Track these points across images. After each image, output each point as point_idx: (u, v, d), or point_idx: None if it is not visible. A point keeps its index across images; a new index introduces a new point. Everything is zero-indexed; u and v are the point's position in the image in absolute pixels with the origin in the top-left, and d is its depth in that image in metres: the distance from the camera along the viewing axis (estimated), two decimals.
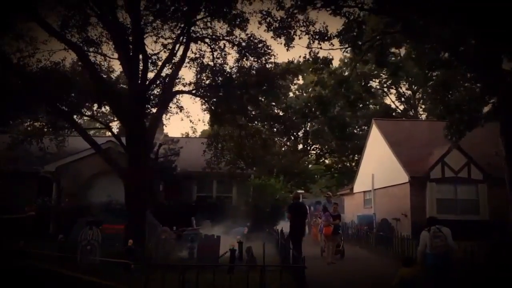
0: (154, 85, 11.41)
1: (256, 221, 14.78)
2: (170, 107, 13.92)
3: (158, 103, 10.70)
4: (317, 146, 45.34)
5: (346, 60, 21.62)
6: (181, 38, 11.38)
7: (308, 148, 46.82)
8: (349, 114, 32.78)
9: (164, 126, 18.58)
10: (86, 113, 13.44)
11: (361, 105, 24.87)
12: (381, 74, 30.01)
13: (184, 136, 23.31)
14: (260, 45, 14.45)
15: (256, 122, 13.85)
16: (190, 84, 14.28)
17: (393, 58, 12.64)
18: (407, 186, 18.41)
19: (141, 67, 11.08)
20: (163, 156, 15.34)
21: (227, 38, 12.98)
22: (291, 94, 29.19)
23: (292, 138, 27.56)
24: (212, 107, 13.25)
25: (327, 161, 47.33)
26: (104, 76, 10.63)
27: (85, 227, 8.50)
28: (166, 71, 12.08)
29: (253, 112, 13.48)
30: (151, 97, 11.04)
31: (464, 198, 17.93)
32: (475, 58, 9.22)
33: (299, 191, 34.81)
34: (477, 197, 17.86)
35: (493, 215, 17.40)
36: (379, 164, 22.43)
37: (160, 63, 12.00)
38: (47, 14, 10.21)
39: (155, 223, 11.43)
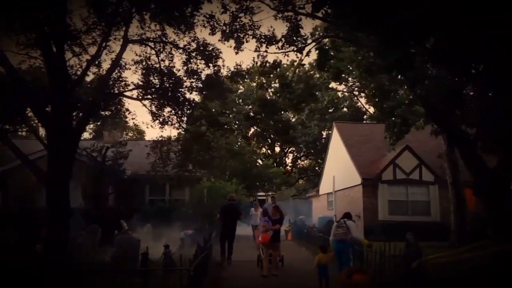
0: (81, 87, 11.26)
1: (205, 224, 14.75)
2: (114, 110, 13.79)
3: (87, 105, 10.54)
4: (293, 149, 45.82)
5: (294, 64, 21.79)
6: (111, 38, 11.29)
7: (285, 150, 47.27)
8: (317, 117, 32.97)
9: (121, 130, 18.35)
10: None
11: (306, 107, 25.00)
12: (349, 78, 30.39)
13: (134, 139, 23.11)
14: (209, 48, 14.47)
15: (200, 125, 13.78)
16: (137, 87, 14.16)
17: (332, 61, 12.77)
18: (360, 187, 18.66)
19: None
20: (111, 159, 15.17)
21: (168, 40, 12.90)
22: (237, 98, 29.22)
23: (244, 140, 27.61)
24: (156, 110, 13.17)
25: (303, 163, 47.81)
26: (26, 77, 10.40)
27: None
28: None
29: (197, 114, 13.43)
30: (81, 99, 10.87)
31: (416, 199, 18.26)
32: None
33: (271, 193, 34.97)
34: (428, 198, 18.20)
35: (444, 216, 17.80)
36: (339, 166, 22.71)
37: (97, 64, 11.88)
38: None
39: (94, 229, 11.26)
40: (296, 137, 30.13)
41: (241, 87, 35.19)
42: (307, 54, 12.49)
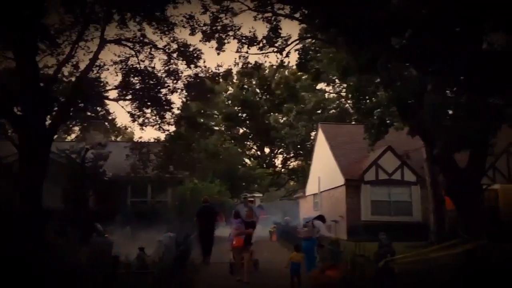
0: (56, 87, 11.15)
1: (186, 226, 14.65)
2: (94, 111, 13.69)
3: (61, 105, 10.44)
4: (282, 150, 45.93)
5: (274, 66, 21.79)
6: (89, 38, 11.22)
7: (274, 152, 47.35)
8: (305, 118, 33.07)
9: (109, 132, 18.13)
10: None
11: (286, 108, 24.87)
12: (336, 79, 30.56)
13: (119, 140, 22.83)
14: (190, 49, 14.46)
15: (179, 126, 13.74)
16: (116, 87, 14.07)
17: (311, 63, 12.83)
18: (344, 188, 18.74)
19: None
20: (91, 161, 15.02)
21: (147, 40, 12.88)
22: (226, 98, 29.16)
23: (231, 141, 27.57)
24: (135, 111, 13.12)
25: (293, 164, 47.97)
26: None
27: None
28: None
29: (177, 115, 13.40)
30: (56, 99, 10.76)
31: (398, 200, 18.38)
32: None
33: (257, 194, 34.95)
34: (410, 199, 18.34)
35: (426, 216, 17.95)
36: (324, 167, 22.78)
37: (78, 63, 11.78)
38: None
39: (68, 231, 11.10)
40: (279, 138, 30.20)
41: (230, 88, 35.40)
42: (287, 55, 12.50)
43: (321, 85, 34.61)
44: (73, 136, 22.62)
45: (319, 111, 35.71)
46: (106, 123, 16.19)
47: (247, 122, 18.39)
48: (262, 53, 13.19)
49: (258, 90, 12.09)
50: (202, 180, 17.88)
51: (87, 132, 18.01)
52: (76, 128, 18.91)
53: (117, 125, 22.90)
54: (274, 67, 16.80)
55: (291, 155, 47.93)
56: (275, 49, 13.11)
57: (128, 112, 13.13)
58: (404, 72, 7.97)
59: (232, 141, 20.66)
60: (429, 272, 7.57)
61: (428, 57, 6.64)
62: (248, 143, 25.53)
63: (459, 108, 6.97)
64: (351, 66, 10.43)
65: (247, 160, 47.51)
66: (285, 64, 12.71)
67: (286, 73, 21.05)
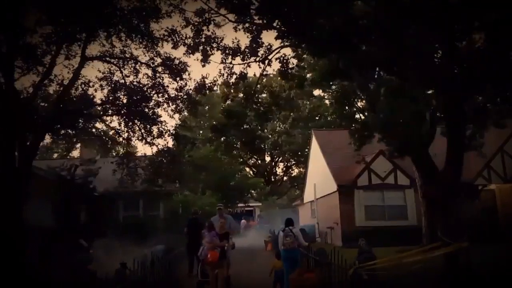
0: (36, 105, 11.23)
1: (176, 238, 14.59)
2: (80, 127, 13.76)
3: (41, 123, 10.50)
4: (284, 158, 45.89)
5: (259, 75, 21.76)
6: (71, 55, 11.33)
7: (275, 159, 47.33)
8: (301, 125, 33.05)
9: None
10: None
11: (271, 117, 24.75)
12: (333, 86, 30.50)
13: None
14: (175, 62, 14.56)
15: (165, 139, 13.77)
16: (101, 103, 14.15)
17: (293, 70, 12.80)
18: (337, 194, 18.63)
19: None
20: (80, 177, 15.06)
21: (130, 55, 12.98)
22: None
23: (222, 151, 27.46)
24: (121, 126, 13.18)
25: (295, 172, 47.89)
26: None
27: None
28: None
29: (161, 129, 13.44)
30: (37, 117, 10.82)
31: (392, 204, 18.22)
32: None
33: (256, 203, 34.81)
34: (405, 202, 18.18)
35: (421, 220, 17.77)
36: (318, 174, 22.70)
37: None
38: None
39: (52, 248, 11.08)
40: (268, 147, 30.16)
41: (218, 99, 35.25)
42: (269, 64, 12.52)
43: (317, 91, 34.84)
44: (66, 153, 22.70)
45: (317, 117, 35.74)
46: (106, 139, 16.12)
47: (233, 132, 18.39)
48: (244, 63, 13.17)
49: (243, 100, 12.11)
50: (194, 192, 17.83)
51: (84, 148, 18.10)
52: (63, 145, 18.93)
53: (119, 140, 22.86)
54: (257, 76, 16.80)
55: (293, 162, 47.99)
56: (257, 58, 13.12)
57: (112, 127, 13.19)
58: (375, 76, 7.97)
59: (220, 152, 20.61)
60: (397, 277, 7.52)
61: (394, 60, 6.65)
62: (239, 153, 25.39)
63: (401, 113, 6.96)
64: (328, 72, 10.45)
65: (247, 169, 47.57)
66: (267, 73, 12.75)
67: (272, 82, 21.13)
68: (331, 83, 11.41)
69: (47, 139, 16.24)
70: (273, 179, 46.23)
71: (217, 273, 8.05)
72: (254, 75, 19.58)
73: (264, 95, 18.82)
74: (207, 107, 25.19)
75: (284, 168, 49.07)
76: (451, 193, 7.97)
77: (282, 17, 7.26)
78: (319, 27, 6.26)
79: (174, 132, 13.18)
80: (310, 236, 21.08)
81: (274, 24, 11.69)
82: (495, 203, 18.76)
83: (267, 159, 46.47)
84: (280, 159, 46.08)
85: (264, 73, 12.22)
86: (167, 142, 13.57)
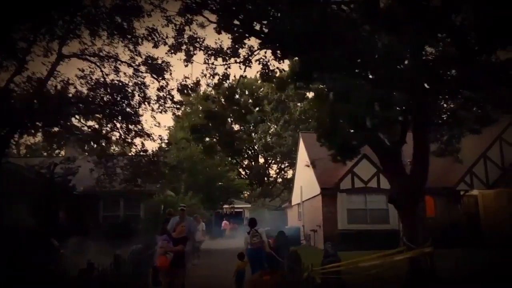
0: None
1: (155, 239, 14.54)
2: (59, 125, 13.71)
3: (13, 119, 10.43)
4: (277, 160, 45.89)
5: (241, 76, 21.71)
6: (50, 53, 11.29)
7: (268, 161, 47.32)
8: (292, 127, 33.06)
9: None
10: None
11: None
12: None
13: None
14: (159, 62, 14.52)
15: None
16: (81, 101, 14.08)
17: (273, 72, 12.80)
18: (320, 197, 18.63)
19: None
20: (60, 176, 14.97)
21: (110, 54, 12.94)
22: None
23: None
24: (99, 125, 13.12)
25: (289, 174, 47.86)
26: None
27: None
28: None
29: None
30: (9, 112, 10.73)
31: (374, 208, 18.22)
32: None
33: (245, 205, 34.74)
34: (387, 206, 18.10)
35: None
36: (305, 177, 22.70)
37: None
38: None
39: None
40: (247, 149, 30.26)
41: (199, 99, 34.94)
42: (249, 65, 12.49)
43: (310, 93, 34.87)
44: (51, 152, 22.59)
45: (310, 120, 35.78)
46: (88, 138, 15.98)
47: (213, 133, 18.46)
48: (225, 64, 13.15)
49: (223, 101, 12.08)
50: (176, 193, 17.76)
51: (68, 147, 17.96)
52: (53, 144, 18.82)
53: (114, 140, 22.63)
54: (237, 77, 16.76)
55: (286, 164, 47.99)
56: (238, 60, 13.11)
57: (89, 126, 13.14)
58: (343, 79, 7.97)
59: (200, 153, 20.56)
60: (350, 282, 7.54)
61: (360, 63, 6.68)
62: (219, 155, 25.34)
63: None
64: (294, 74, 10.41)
65: (241, 171, 47.52)
66: (245, 75, 12.81)
67: (250, 82, 21.18)
68: (302, 84, 11.31)
69: (39, 137, 16.19)
70: (266, 181, 46.28)
71: (170, 282, 7.22)
72: (235, 76, 19.61)
73: (245, 97, 18.89)
74: (188, 108, 25.32)
75: (278, 170, 49.18)
76: (416, 199, 7.98)
77: (242, 16, 7.28)
78: (279, 28, 6.28)
79: (150, 132, 13.08)
80: (294, 238, 21.07)
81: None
82: (477, 209, 18.82)
83: (261, 160, 46.51)
84: (273, 161, 46.16)
85: (245, 74, 12.24)
86: (144, 142, 13.44)
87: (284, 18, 6.41)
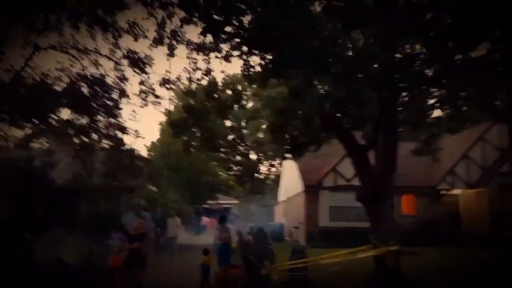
0: None
1: None
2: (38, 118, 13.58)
3: None
4: (268, 157, 45.90)
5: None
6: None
7: (260, 158, 47.30)
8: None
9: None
10: None
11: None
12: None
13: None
14: (141, 55, 14.40)
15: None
16: (61, 94, 13.95)
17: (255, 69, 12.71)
18: (303, 194, 18.66)
19: None
20: (39, 169, 14.85)
21: (82, 47, 12.80)
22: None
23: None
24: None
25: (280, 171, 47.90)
26: None
27: None
28: None
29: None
30: None
31: (357, 205, 18.15)
32: None
33: (233, 201, 34.77)
34: None
35: None
36: (290, 174, 22.75)
37: None
38: None
39: None
40: (227, 145, 30.09)
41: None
42: (229, 61, 12.41)
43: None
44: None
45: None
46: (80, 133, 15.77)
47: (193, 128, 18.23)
48: (206, 59, 13.07)
49: (204, 96, 11.96)
50: (160, 188, 17.69)
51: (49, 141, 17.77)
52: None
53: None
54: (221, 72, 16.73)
55: (278, 161, 47.99)
56: (219, 55, 13.04)
57: (67, 119, 13.01)
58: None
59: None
60: (342, 278, 7.58)
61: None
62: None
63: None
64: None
65: (233, 167, 47.52)
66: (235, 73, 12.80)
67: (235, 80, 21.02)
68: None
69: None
70: (257, 177, 46.25)
71: (126, 282, 6.74)
72: (214, 71, 19.36)
73: (228, 92, 18.73)
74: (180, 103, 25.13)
75: (269, 167, 49.21)
76: (382, 197, 8.00)
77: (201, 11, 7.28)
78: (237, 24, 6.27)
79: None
80: (278, 235, 21.13)
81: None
82: (458, 208, 18.96)
83: (254, 157, 46.52)
84: (263, 158, 46.16)
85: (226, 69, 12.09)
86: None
87: (248, 11, 6.39)
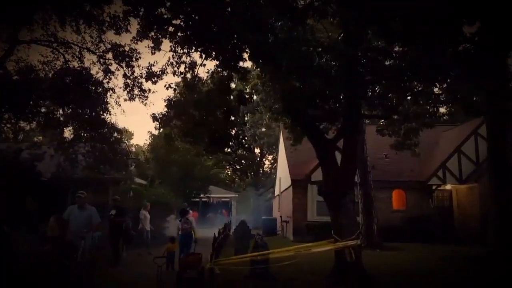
0: None
1: None
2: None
3: None
4: (270, 151, 45.85)
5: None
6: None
7: (263, 152, 47.27)
8: None
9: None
10: None
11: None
12: None
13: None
14: (126, 49, 14.44)
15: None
16: (45, 88, 14.08)
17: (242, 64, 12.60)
18: (291, 188, 18.60)
19: None
20: (26, 162, 15.03)
21: (65, 40, 12.88)
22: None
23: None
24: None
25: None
26: None
27: None
28: None
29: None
30: None
31: None
32: None
33: (232, 194, 34.82)
34: (357, 199, 18.06)
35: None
36: (283, 168, 22.68)
37: None
38: None
39: None
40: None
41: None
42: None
43: None
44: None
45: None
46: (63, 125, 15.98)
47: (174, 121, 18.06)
48: (185, 54, 13.02)
49: (183, 89, 11.86)
50: (148, 181, 17.77)
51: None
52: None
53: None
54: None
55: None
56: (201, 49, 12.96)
57: (48, 113, 13.13)
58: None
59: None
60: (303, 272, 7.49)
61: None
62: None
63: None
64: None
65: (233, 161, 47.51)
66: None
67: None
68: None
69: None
70: (261, 171, 46.24)
71: None
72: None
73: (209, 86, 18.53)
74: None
75: (272, 161, 49.09)
76: (342, 192, 7.91)
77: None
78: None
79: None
80: (271, 228, 21.17)
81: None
82: (451, 204, 18.69)
83: (257, 151, 46.47)
84: (267, 152, 46.10)
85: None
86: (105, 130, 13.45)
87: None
